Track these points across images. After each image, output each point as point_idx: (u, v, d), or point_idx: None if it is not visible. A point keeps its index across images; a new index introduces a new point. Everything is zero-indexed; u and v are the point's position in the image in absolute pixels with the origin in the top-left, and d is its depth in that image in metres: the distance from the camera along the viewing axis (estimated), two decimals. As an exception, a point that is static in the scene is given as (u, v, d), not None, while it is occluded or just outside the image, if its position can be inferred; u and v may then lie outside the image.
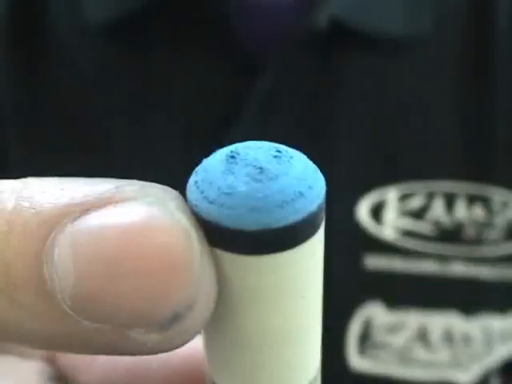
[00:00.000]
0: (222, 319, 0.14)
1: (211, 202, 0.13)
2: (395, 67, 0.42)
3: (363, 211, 0.41)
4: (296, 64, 0.41)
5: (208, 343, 0.15)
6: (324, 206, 0.14)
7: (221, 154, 0.14)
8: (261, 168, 0.13)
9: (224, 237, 0.13)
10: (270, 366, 0.15)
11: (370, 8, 0.41)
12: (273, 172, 0.13)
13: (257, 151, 0.14)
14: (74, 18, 0.42)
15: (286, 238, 0.13)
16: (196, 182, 0.13)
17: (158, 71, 0.42)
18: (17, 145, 0.43)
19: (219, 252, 0.13)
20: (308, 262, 0.14)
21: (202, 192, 0.13)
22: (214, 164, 0.14)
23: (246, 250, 0.13)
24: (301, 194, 0.13)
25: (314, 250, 0.14)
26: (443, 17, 0.42)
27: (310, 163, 0.14)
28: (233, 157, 0.13)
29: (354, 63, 0.42)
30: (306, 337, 0.15)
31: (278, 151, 0.14)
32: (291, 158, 0.14)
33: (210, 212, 0.13)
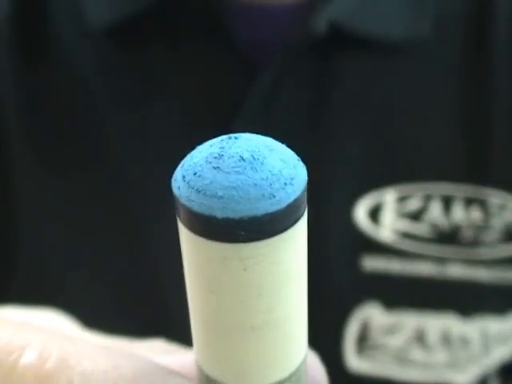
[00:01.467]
0: (205, 307, 0.15)
1: (191, 188, 0.14)
2: (394, 69, 0.42)
3: (361, 213, 0.41)
4: (295, 66, 0.41)
5: (194, 330, 0.16)
6: (304, 198, 0.14)
7: (208, 144, 0.14)
8: (243, 159, 0.14)
9: (204, 224, 0.13)
10: (253, 354, 0.15)
11: (369, 12, 0.41)
12: (255, 163, 0.14)
13: (243, 143, 0.14)
14: (75, 20, 0.43)
15: (265, 227, 0.13)
16: (182, 171, 0.14)
17: (158, 72, 0.42)
18: (18, 145, 0.43)
19: (203, 241, 0.14)
20: (288, 251, 0.14)
21: (184, 177, 0.14)
22: (200, 154, 0.14)
23: (226, 237, 0.13)
24: (281, 186, 0.13)
25: (294, 240, 0.14)
26: (443, 19, 0.42)
27: (294, 157, 0.14)
28: (221, 147, 0.14)
29: (353, 65, 0.42)
30: (290, 325, 0.15)
31: (264, 144, 0.14)
32: (274, 150, 0.14)
33: (193, 200, 0.13)
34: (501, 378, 0.44)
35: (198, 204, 0.13)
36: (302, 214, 0.14)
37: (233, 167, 0.14)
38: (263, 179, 0.14)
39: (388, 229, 0.42)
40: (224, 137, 0.15)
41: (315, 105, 0.42)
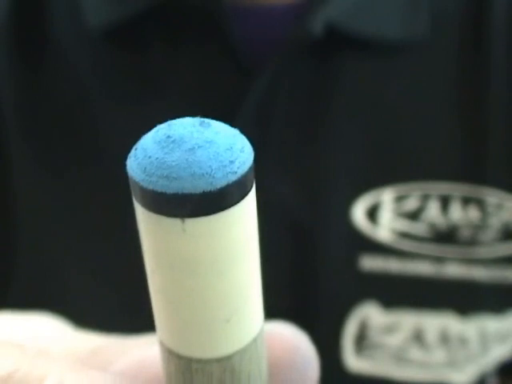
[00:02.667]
0: (158, 281, 0.16)
1: (145, 171, 0.15)
2: (392, 69, 0.42)
3: (359, 212, 0.41)
4: (293, 66, 0.41)
5: (153, 306, 0.17)
6: (251, 176, 0.15)
7: (157, 128, 0.15)
8: (186, 140, 0.15)
9: (154, 200, 0.15)
10: (204, 326, 0.16)
11: (366, 12, 0.41)
12: (198, 143, 0.15)
13: (185, 125, 0.15)
14: (73, 21, 0.43)
15: (203, 204, 0.14)
16: (135, 153, 0.15)
17: (156, 73, 0.42)
18: (17, 145, 0.43)
19: (153, 216, 0.15)
20: (235, 226, 0.15)
21: (136, 157, 0.15)
22: (149, 137, 0.15)
23: (167, 212, 0.15)
24: (226, 164, 0.14)
25: (239, 217, 0.15)
26: (440, 19, 0.42)
27: (238, 135, 0.15)
28: (165, 131, 0.15)
29: (350, 66, 0.42)
30: (240, 299, 0.16)
31: (205, 124, 0.15)
32: (218, 132, 0.15)
33: (144, 178, 0.15)
34: (499, 377, 0.44)
35: (147, 181, 0.14)
36: (249, 191, 0.15)
37: (179, 146, 0.15)
38: (209, 158, 0.14)
39: (386, 228, 0.42)
40: (171, 121, 0.16)
41: (313, 105, 0.42)
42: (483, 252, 0.42)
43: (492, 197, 0.42)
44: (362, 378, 0.42)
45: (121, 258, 0.43)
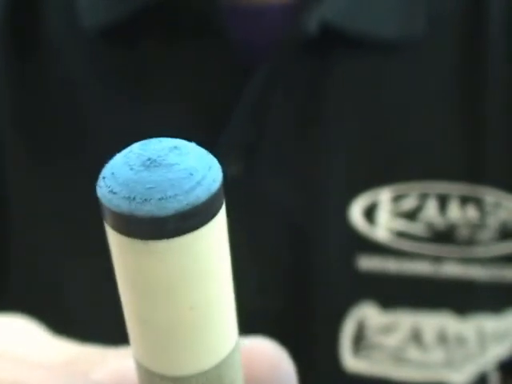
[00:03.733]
0: (131, 303, 0.16)
1: (112, 192, 0.15)
2: (389, 68, 0.42)
3: (356, 212, 0.41)
4: (289, 65, 0.41)
5: (128, 325, 0.17)
6: (220, 196, 0.15)
7: (125, 150, 0.15)
8: (155, 161, 0.15)
9: (122, 223, 0.15)
10: (178, 344, 0.16)
11: (361, 11, 0.41)
12: (166, 164, 0.15)
13: (155, 146, 0.15)
14: (68, 20, 0.43)
15: (168, 226, 0.14)
16: (103, 175, 0.15)
17: (151, 73, 0.42)
18: (13, 143, 0.43)
19: (122, 238, 0.15)
20: (205, 246, 0.15)
21: (104, 178, 0.15)
22: (118, 158, 0.15)
23: (133, 234, 0.15)
24: (193, 185, 0.14)
25: (209, 236, 0.15)
26: (437, 18, 0.42)
27: (208, 159, 0.15)
28: (131, 151, 0.15)
29: (347, 65, 0.42)
30: (214, 316, 0.16)
31: (175, 147, 0.15)
32: (187, 153, 0.15)
33: (111, 200, 0.15)
34: (497, 376, 0.44)
35: (113, 203, 0.14)
36: (217, 212, 0.15)
37: (146, 167, 0.15)
38: (175, 179, 0.14)
39: (384, 228, 0.42)
40: (143, 141, 0.16)
41: (310, 104, 0.42)
42: (481, 251, 0.42)
43: (490, 196, 0.42)
44: (360, 378, 0.42)
45: None
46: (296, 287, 0.42)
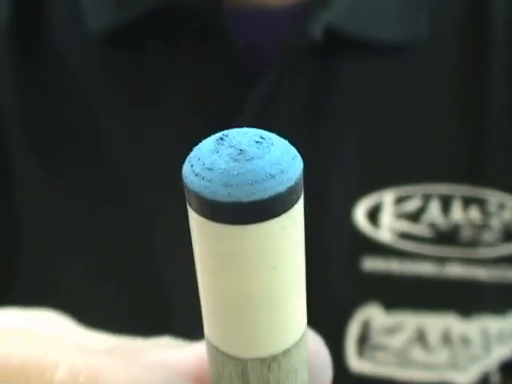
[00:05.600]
0: (205, 281, 0.17)
1: (196, 175, 0.15)
2: (392, 70, 0.42)
3: (360, 214, 0.41)
4: (294, 68, 0.41)
5: (204, 307, 0.17)
6: (298, 190, 0.16)
7: (213, 136, 0.16)
8: (241, 150, 0.16)
9: (204, 206, 0.15)
10: (255, 326, 0.17)
11: (365, 15, 0.42)
12: (250, 154, 0.16)
13: (242, 136, 0.16)
14: (74, 23, 0.43)
15: (254, 212, 0.15)
16: (189, 157, 0.16)
17: (157, 75, 0.42)
18: (18, 145, 0.43)
19: (202, 220, 0.16)
20: (277, 237, 0.16)
21: (192, 166, 0.16)
22: (205, 143, 0.16)
23: (220, 219, 0.15)
24: (271, 175, 0.15)
25: (283, 227, 0.16)
26: (440, 19, 0.42)
27: (291, 151, 0.16)
28: (221, 139, 0.16)
29: (351, 67, 0.42)
30: (279, 304, 0.17)
31: (262, 137, 0.16)
32: (272, 144, 0.16)
33: (195, 183, 0.15)
34: (501, 377, 0.44)
35: (204, 190, 0.15)
36: (300, 197, 0.16)
37: (233, 157, 0.15)
38: (260, 168, 0.15)
39: (387, 229, 0.42)
40: (228, 130, 0.17)
41: (314, 107, 0.42)
42: (485, 252, 0.42)
43: (493, 197, 0.42)
44: (364, 379, 0.42)
45: (122, 259, 0.43)
46: None
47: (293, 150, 0.16)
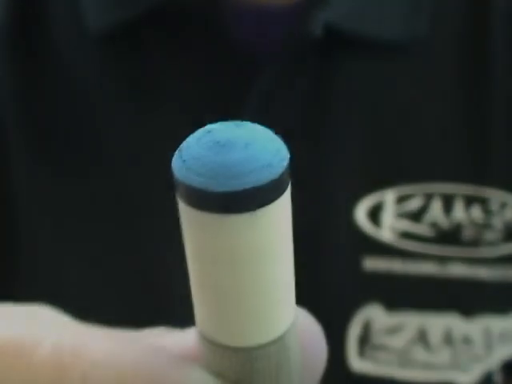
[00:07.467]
0: (198, 273, 0.17)
1: (183, 164, 0.16)
2: (393, 69, 0.42)
3: (361, 214, 0.41)
4: (293, 67, 0.41)
5: (194, 297, 0.18)
6: (285, 181, 0.16)
7: (202, 129, 0.17)
8: (227, 141, 0.16)
9: (191, 195, 0.16)
10: (243, 316, 0.17)
11: (366, 13, 0.41)
12: (237, 146, 0.16)
13: (230, 128, 0.16)
14: (74, 23, 0.43)
15: (240, 202, 0.15)
16: (179, 149, 0.16)
17: (157, 74, 0.42)
18: (17, 147, 0.43)
19: (189, 209, 0.16)
20: (264, 227, 0.16)
21: (181, 157, 0.16)
22: (194, 135, 0.17)
23: (206, 208, 0.16)
24: (259, 167, 0.15)
25: (270, 217, 0.16)
26: (441, 19, 0.42)
27: (277, 142, 0.16)
28: (209, 131, 0.16)
29: (352, 66, 0.42)
30: (267, 294, 0.17)
31: (248, 129, 0.17)
32: (258, 136, 0.16)
33: (181, 172, 0.16)
34: (503, 377, 0.44)
35: (192, 180, 0.15)
36: (287, 187, 0.16)
37: (221, 147, 0.16)
38: (247, 158, 0.16)
39: (389, 229, 0.42)
40: (217, 123, 0.17)
41: (315, 105, 0.42)
42: (487, 252, 0.42)
43: (495, 196, 0.42)
44: (365, 380, 0.42)
45: (122, 259, 0.43)
46: (301, 288, 0.41)
47: (279, 142, 0.17)
